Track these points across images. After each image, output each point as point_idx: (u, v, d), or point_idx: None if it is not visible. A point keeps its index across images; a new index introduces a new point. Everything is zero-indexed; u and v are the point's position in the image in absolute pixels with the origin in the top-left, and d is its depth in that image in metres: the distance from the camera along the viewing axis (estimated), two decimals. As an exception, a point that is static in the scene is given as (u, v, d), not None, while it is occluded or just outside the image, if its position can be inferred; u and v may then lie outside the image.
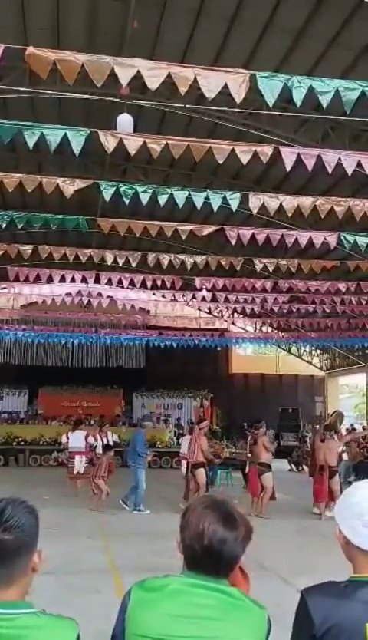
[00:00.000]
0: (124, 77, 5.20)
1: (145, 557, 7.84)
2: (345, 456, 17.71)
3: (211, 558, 1.68)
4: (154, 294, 19.55)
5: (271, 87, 5.08)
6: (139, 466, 12.19)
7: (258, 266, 12.69)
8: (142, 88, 11.80)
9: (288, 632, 1.78)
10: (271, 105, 5.19)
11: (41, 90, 9.44)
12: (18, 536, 1.56)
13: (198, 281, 14.77)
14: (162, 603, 1.65)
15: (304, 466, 22.50)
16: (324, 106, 5.24)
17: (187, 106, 8.71)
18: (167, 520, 10.09)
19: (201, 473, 12.03)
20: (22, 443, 21.34)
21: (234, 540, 1.70)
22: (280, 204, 8.02)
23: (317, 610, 1.67)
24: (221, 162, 6.30)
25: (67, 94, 9.38)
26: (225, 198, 8.15)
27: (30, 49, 5.02)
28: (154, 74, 5.13)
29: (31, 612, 1.55)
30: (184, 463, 15.00)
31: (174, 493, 12.67)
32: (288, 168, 6.44)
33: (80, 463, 14.16)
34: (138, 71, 5.21)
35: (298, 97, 5.14)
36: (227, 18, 11.31)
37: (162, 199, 8.21)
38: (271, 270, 13.01)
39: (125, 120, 9.79)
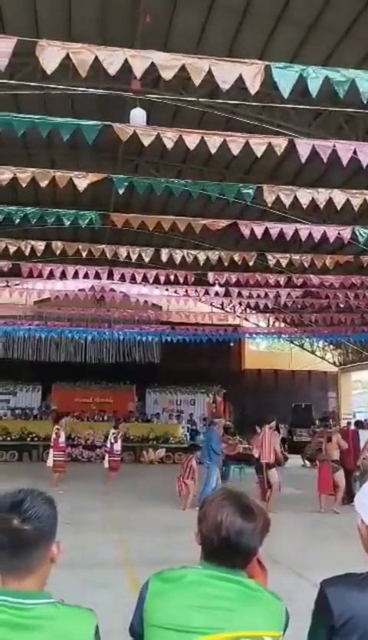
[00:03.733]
0: (138, 68, 5.16)
1: (159, 551, 7.85)
2: None
3: (228, 549, 1.68)
4: (167, 290, 19.56)
5: (286, 78, 5.02)
6: (214, 464, 12.11)
7: (272, 261, 12.63)
8: (154, 83, 11.81)
9: (303, 626, 1.77)
10: (286, 96, 5.13)
11: (53, 86, 9.41)
12: (36, 527, 1.57)
13: (211, 276, 14.73)
14: (179, 594, 1.65)
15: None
16: (341, 96, 5.17)
17: (200, 100, 8.66)
18: (180, 515, 10.14)
19: (274, 473, 11.78)
20: (36, 438, 21.44)
21: (252, 532, 1.70)
22: (295, 196, 7.96)
23: (336, 601, 1.66)
24: (235, 153, 6.24)
25: (80, 89, 9.35)
26: (239, 190, 8.09)
27: (42, 41, 5.01)
28: (168, 64, 5.09)
29: (49, 602, 1.55)
30: None
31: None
32: (303, 160, 6.38)
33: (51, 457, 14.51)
34: (152, 64, 5.17)
35: (314, 87, 5.07)
36: (239, 12, 11.26)
37: (177, 192, 8.17)
38: (284, 265, 12.94)
39: (138, 115, 9.76)
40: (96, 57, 5.14)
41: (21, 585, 1.56)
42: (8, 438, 21.68)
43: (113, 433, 16.03)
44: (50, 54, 4.94)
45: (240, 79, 5.31)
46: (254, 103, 9.55)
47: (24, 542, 1.55)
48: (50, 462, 14.41)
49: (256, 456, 11.98)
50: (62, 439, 14.73)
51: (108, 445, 15.93)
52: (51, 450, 14.60)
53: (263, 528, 1.79)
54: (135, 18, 10.93)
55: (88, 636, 1.55)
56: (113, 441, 15.80)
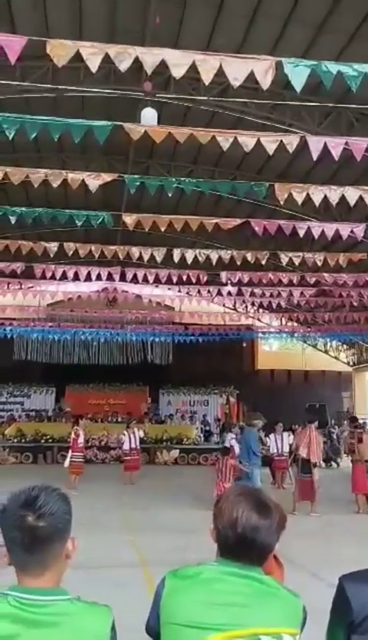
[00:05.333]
0: (149, 65, 5.13)
1: (174, 552, 7.83)
2: None
3: (244, 546, 1.67)
4: (179, 290, 19.56)
5: (298, 74, 4.97)
6: (254, 465, 12.02)
7: (284, 260, 12.58)
8: (165, 84, 11.82)
9: (318, 626, 1.75)
10: (298, 91, 5.07)
11: (64, 87, 9.44)
12: (51, 523, 1.56)
13: (224, 275, 14.70)
14: (195, 591, 1.64)
15: (333, 463, 22.30)
16: (354, 91, 5.11)
17: (210, 99, 8.63)
18: (195, 516, 10.09)
19: (316, 473, 11.69)
20: (50, 440, 21.54)
21: (268, 528, 1.69)
22: (308, 195, 7.90)
23: (355, 597, 1.64)
24: (248, 150, 6.20)
25: (93, 90, 9.37)
26: (251, 188, 8.05)
27: (52, 41, 5.01)
28: (179, 62, 5.05)
29: (65, 599, 1.54)
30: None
31: (202, 489, 12.66)
32: (314, 157, 6.33)
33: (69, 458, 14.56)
34: (163, 62, 5.14)
35: (327, 81, 5.01)
36: (248, 14, 11.25)
37: (188, 190, 8.15)
38: (296, 264, 12.88)
39: (149, 114, 9.78)
40: (107, 56, 5.12)
41: (37, 582, 1.55)
42: (23, 440, 21.78)
43: (131, 432, 16.06)
44: (61, 49, 4.92)
45: (251, 77, 5.27)
46: (265, 102, 9.51)
47: (39, 538, 1.55)
48: (67, 463, 14.43)
49: (303, 455, 11.78)
50: (81, 440, 14.77)
51: (127, 447, 15.90)
52: (70, 451, 14.62)
53: (279, 524, 1.78)
54: (145, 19, 10.94)
55: (105, 632, 1.54)
56: (134, 440, 15.84)
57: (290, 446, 14.17)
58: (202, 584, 1.64)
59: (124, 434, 16.30)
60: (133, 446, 15.95)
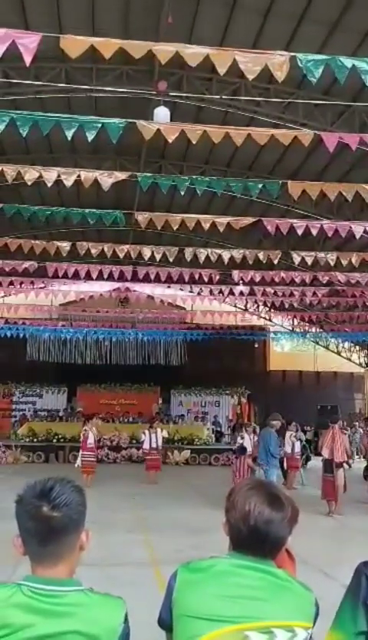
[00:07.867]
0: (163, 56, 5.10)
1: (185, 551, 7.84)
2: None
3: (257, 539, 1.66)
4: (191, 290, 19.55)
5: (312, 68, 4.92)
6: (273, 466, 11.92)
7: (296, 259, 12.54)
8: (177, 85, 11.83)
9: (330, 624, 1.74)
10: (314, 83, 5.02)
11: (77, 87, 9.48)
12: (66, 514, 1.56)
13: (236, 274, 14.67)
14: (208, 584, 1.63)
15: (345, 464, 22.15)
16: (368, 86, 5.08)
17: (223, 97, 8.62)
18: (206, 516, 10.09)
19: (341, 473, 11.45)
20: (62, 440, 21.61)
21: (281, 521, 1.68)
22: (322, 193, 7.85)
23: None
24: (262, 143, 6.16)
25: (106, 89, 9.39)
26: (264, 186, 8.02)
27: (66, 36, 5.02)
28: (193, 53, 5.02)
29: (79, 590, 1.55)
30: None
31: (213, 489, 12.62)
32: (331, 149, 6.29)
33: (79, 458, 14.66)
34: (177, 59, 5.12)
35: (341, 76, 4.97)
36: (261, 12, 11.21)
37: (201, 189, 8.15)
38: (309, 264, 12.82)
39: (162, 113, 9.79)
40: (119, 58, 5.13)
41: (51, 572, 1.56)
42: (35, 440, 21.87)
43: (153, 432, 16.08)
44: (74, 42, 4.92)
45: (264, 76, 5.25)
46: (278, 100, 9.46)
47: (53, 529, 1.55)
48: (78, 462, 14.48)
49: (326, 455, 11.62)
50: (90, 440, 14.77)
51: (147, 446, 15.88)
52: (80, 451, 14.68)
53: (292, 518, 1.77)
54: (158, 19, 10.95)
55: (118, 623, 1.55)
56: (155, 439, 15.86)
57: (304, 446, 14.08)
58: (215, 577, 1.64)
59: (144, 433, 16.30)
60: (154, 445, 15.93)
